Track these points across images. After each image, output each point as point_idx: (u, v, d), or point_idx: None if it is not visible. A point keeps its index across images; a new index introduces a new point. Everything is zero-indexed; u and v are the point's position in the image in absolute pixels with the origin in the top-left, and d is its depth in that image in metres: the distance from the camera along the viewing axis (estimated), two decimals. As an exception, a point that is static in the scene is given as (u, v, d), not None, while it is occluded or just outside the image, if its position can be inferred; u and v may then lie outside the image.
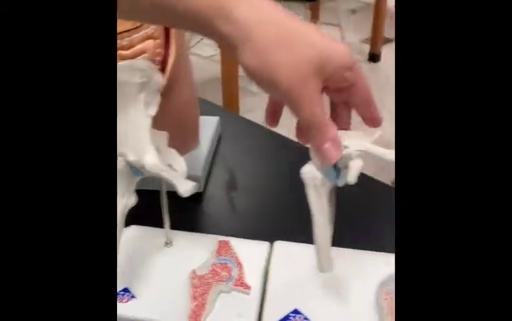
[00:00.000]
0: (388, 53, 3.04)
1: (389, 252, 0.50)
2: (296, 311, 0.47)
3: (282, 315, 0.46)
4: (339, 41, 0.38)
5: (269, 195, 0.65)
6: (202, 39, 2.97)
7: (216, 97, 2.20)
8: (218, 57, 2.20)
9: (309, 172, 0.42)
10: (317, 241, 0.43)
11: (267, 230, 0.58)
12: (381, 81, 2.78)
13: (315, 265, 0.50)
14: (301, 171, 0.42)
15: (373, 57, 2.95)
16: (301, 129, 0.40)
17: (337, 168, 0.41)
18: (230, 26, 0.35)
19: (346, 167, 0.40)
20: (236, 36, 0.35)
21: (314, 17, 2.99)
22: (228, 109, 2.11)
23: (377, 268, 0.48)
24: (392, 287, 0.46)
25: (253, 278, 0.48)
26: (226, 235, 0.53)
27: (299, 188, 0.42)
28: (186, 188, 0.42)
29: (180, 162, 0.44)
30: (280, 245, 0.52)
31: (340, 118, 0.42)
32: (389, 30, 3.20)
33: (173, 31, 0.57)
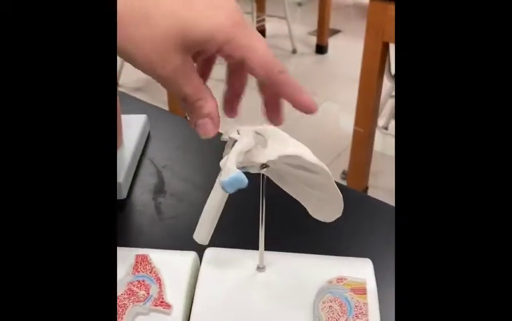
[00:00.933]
0: (335, 45, 3.05)
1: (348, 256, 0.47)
2: (225, 328, 0.42)
3: (208, 334, 0.41)
4: (221, 7, 0.32)
5: (201, 200, 0.59)
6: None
7: (163, 97, 2.12)
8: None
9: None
10: (206, 210, 0.40)
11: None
12: (329, 73, 2.78)
13: (250, 272, 0.45)
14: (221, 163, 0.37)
15: (321, 49, 2.95)
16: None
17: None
18: None
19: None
20: None
21: (260, 10, 2.96)
22: (173, 109, 2.04)
23: (320, 274, 0.44)
24: (329, 294, 0.42)
25: (176, 295, 0.42)
26: (151, 247, 0.47)
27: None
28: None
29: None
30: (211, 252, 0.47)
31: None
32: (335, 22, 3.21)
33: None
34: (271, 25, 3.16)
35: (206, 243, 0.41)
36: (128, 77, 2.52)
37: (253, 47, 0.34)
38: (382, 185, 1.85)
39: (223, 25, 0.32)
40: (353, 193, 0.62)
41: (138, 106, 0.79)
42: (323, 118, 2.25)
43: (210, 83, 0.38)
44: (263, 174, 0.39)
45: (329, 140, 2.07)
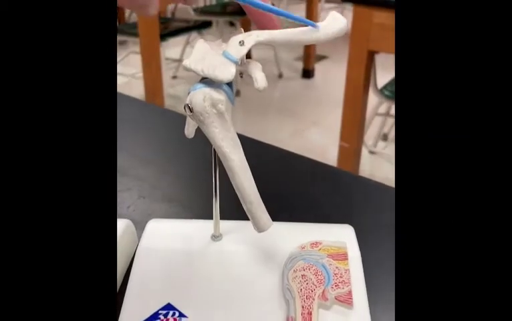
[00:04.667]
0: (321, 70, 3.02)
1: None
2: (169, 307, 0.32)
3: (147, 314, 0.32)
4: None
5: (147, 174, 0.51)
6: (124, 57, 2.82)
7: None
8: (141, 75, 2.08)
9: (204, 95, 0.28)
10: (243, 188, 0.30)
11: (142, 210, 0.44)
12: (315, 97, 2.74)
13: (203, 242, 0.36)
14: (189, 100, 0.28)
15: (307, 74, 2.91)
16: None
17: (231, 84, 0.29)
18: None
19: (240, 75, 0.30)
20: None
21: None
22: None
23: (290, 240, 0.35)
24: (301, 261, 0.33)
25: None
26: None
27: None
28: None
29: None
30: (155, 223, 0.38)
31: None
32: (321, 48, 3.19)
33: None
34: (257, 51, 3.13)
35: (271, 224, 0.31)
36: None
37: None
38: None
39: None
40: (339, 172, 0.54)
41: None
42: (309, 143, 2.18)
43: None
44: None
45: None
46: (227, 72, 0.28)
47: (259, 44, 0.29)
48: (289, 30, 0.30)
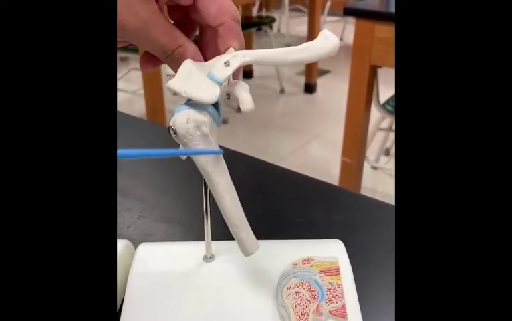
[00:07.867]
0: (323, 84, 3.03)
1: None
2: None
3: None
4: None
5: (147, 195, 0.51)
6: (125, 74, 2.85)
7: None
8: (142, 91, 2.09)
9: (188, 117, 0.28)
10: (228, 211, 0.30)
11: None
12: (318, 111, 2.75)
13: (195, 263, 0.36)
14: (172, 122, 0.28)
15: (309, 88, 2.92)
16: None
17: (217, 105, 0.29)
18: None
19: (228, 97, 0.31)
20: None
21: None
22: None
23: (282, 258, 0.36)
24: (294, 278, 0.33)
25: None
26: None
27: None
28: None
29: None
30: (146, 247, 0.38)
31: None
32: (323, 62, 3.21)
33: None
34: (258, 66, 3.16)
35: (258, 247, 0.32)
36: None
37: None
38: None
39: None
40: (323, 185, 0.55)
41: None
42: (311, 158, 2.19)
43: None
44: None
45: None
46: (211, 94, 0.27)
47: (245, 64, 0.29)
48: (276, 50, 0.30)
